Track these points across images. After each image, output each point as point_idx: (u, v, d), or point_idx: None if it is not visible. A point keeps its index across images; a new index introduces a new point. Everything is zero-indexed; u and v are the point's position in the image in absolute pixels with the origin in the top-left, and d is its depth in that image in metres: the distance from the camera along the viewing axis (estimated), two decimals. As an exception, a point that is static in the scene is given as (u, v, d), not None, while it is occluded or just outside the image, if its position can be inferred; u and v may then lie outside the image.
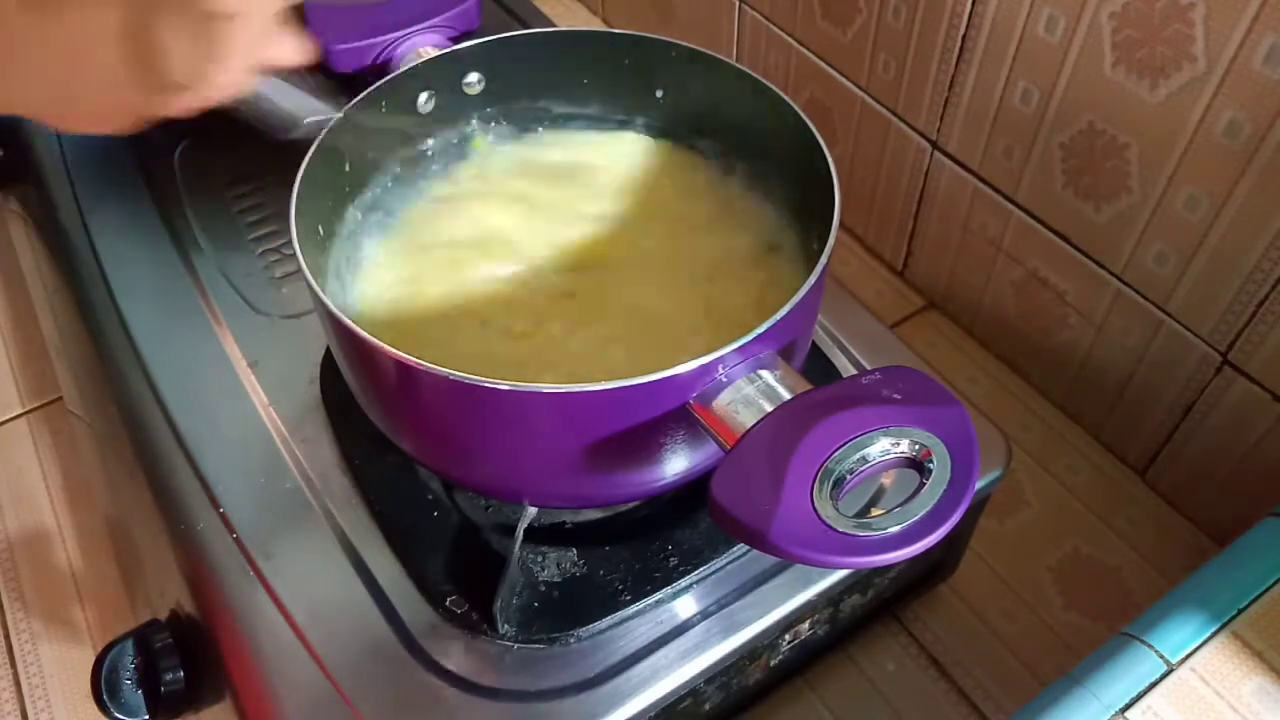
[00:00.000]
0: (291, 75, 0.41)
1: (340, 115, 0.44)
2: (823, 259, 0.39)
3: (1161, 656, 0.40)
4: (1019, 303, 0.66)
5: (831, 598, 0.47)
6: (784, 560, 0.40)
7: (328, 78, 0.45)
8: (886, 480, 0.33)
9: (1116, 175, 0.55)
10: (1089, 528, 0.61)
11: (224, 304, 0.55)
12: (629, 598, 0.44)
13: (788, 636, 0.47)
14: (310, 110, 0.43)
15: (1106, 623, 0.57)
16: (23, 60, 0.31)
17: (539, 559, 0.45)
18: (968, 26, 0.59)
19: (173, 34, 0.31)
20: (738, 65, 0.47)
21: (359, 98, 0.46)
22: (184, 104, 0.34)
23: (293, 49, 0.38)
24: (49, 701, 0.58)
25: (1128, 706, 0.39)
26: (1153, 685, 0.40)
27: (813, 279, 0.38)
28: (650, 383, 0.35)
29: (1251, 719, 0.38)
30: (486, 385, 0.35)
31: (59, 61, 0.31)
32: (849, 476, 0.33)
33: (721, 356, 0.36)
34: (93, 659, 0.44)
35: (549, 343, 0.46)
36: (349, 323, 0.37)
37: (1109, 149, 0.55)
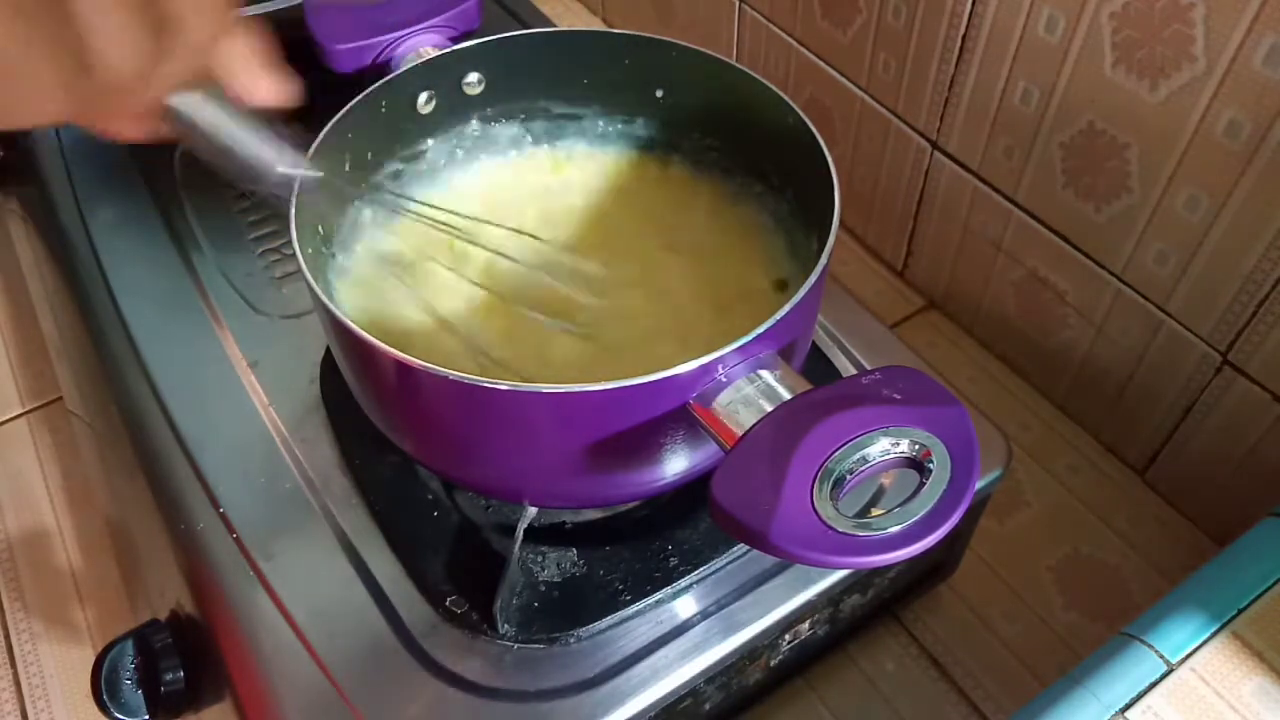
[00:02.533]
0: (268, 124, 0.38)
1: (318, 175, 0.41)
2: (823, 259, 0.39)
3: (1161, 656, 0.40)
4: (1019, 303, 0.66)
5: (831, 598, 0.47)
6: (784, 560, 0.40)
7: (307, 130, 0.41)
8: (886, 480, 0.33)
9: (1116, 175, 0.55)
10: (1089, 528, 0.61)
11: (224, 304, 0.55)
12: (629, 598, 0.44)
13: (788, 636, 0.47)
14: (282, 162, 0.39)
15: (1106, 623, 0.57)
16: None
17: (539, 559, 0.45)
18: (968, 26, 0.59)
19: (102, 17, 0.28)
20: (738, 65, 0.47)
21: (356, 100, 0.46)
22: (122, 108, 0.31)
23: (269, 89, 0.36)
24: (49, 701, 0.58)
25: (1128, 706, 0.39)
26: (1153, 685, 0.40)
27: (813, 279, 0.38)
28: (650, 383, 0.35)
29: (1251, 719, 0.38)
30: (486, 385, 0.35)
31: None
32: (849, 476, 0.33)
33: (721, 356, 0.36)
34: (93, 659, 0.44)
35: (548, 346, 0.46)
36: (349, 323, 0.37)
37: (1109, 149, 0.55)
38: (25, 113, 0.30)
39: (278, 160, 0.39)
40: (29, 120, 0.30)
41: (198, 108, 0.36)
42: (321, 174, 0.41)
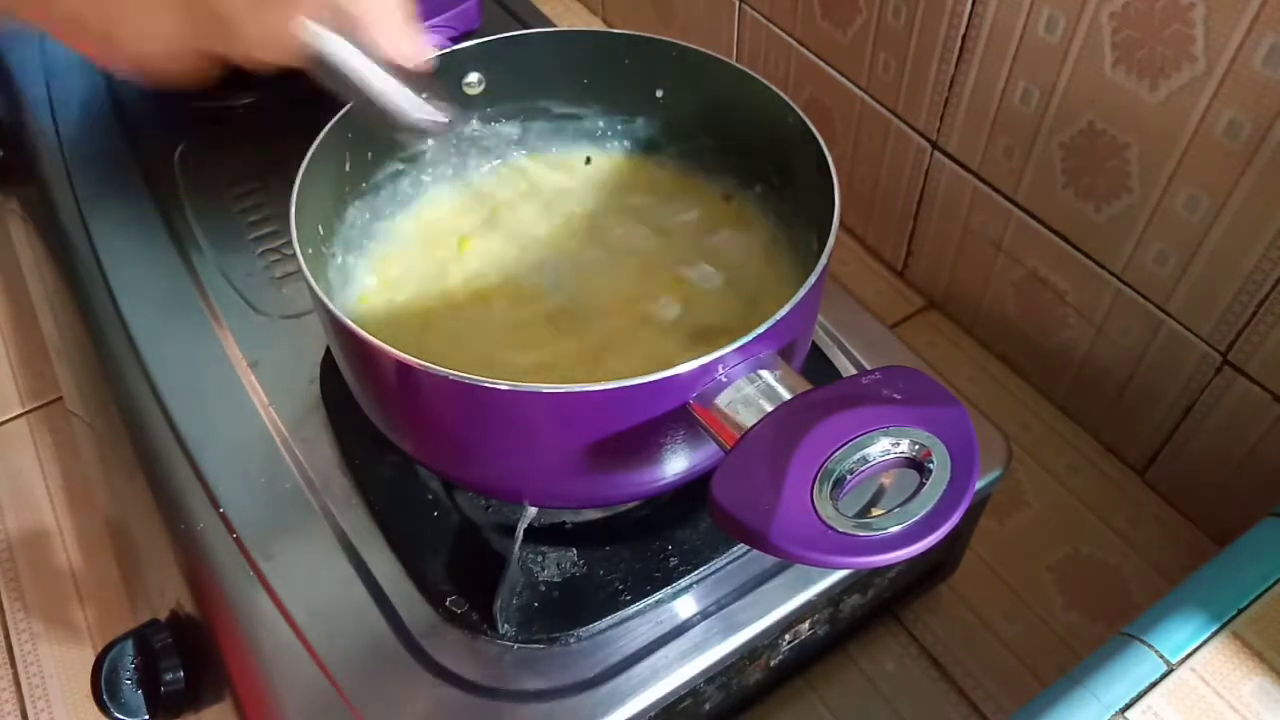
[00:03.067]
0: (399, 71, 0.40)
1: (446, 122, 0.42)
2: (823, 259, 0.39)
3: (1161, 656, 0.40)
4: (1019, 303, 0.66)
5: (831, 598, 0.47)
6: (784, 560, 0.40)
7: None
8: (886, 480, 0.33)
9: (1116, 175, 0.55)
10: (1089, 528, 0.61)
11: (224, 304, 0.55)
12: (629, 598, 0.44)
13: (788, 636, 0.47)
14: (418, 110, 0.41)
15: (1106, 623, 0.57)
16: None
17: (539, 559, 0.45)
18: (968, 26, 0.59)
19: None
20: (738, 65, 0.47)
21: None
22: (241, 43, 0.31)
23: (411, 47, 0.36)
24: (49, 701, 0.58)
25: (1128, 706, 0.39)
26: (1153, 685, 0.40)
27: (813, 279, 0.38)
28: (650, 383, 0.35)
29: (1251, 719, 0.38)
30: (486, 385, 0.35)
31: None
32: (849, 476, 0.33)
33: (721, 356, 0.36)
34: (93, 659, 0.44)
35: (545, 347, 0.46)
36: (349, 323, 0.37)
37: (1109, 149, 0.55)
38: (149, 34, 0.30)
39: (413, 109, 0.41)
40: (156, 43, 0.30)
41: (337, 48, 0.38)
42: (448, 119, 0.43)
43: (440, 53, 0.50)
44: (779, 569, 0.45)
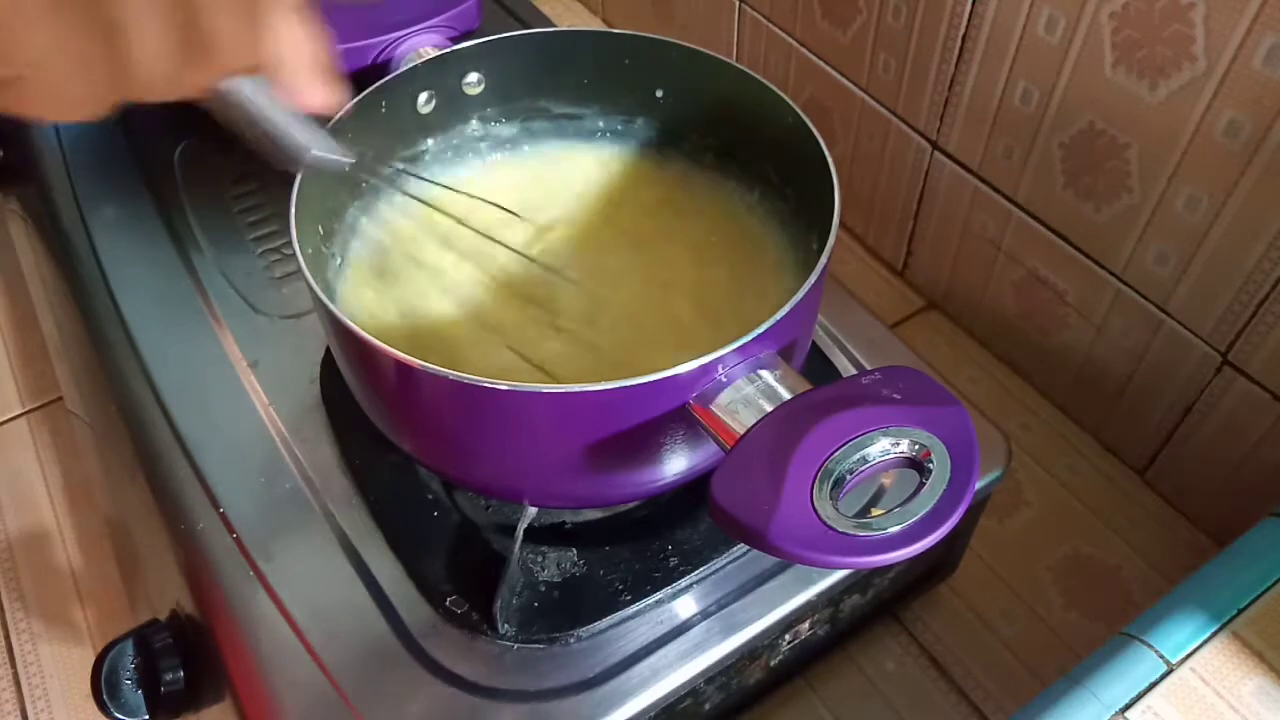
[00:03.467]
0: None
1: (347, 161, 0.41)
2: (823, 259, 0.39)
3: (1161, 656, 0.40)
4: (1019, 303, 0.66)
5: (831, 598, 0.47)
6: (784, 560, 0.40)
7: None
8: (886, 480, 0.33)
9: (1116, 175, 0.55)
10: (1089, 528, 0.61)
11: (224, 304, 0.55)
12: (629, 598, 0.44)
13: (788, 636, 0.47)
14: (319, 145, 0.40)
15: (1106, 623, 0.57)
16: None
17: (539, 559, 0.45)
18: (968, 26, 0.59)
19: (138, 28, 0.28)
20: (738, 65, 0.47)
21: (356, 100, 0.46)
22: (156, 99, 0.31)
23: (320, 96, 0.36)
24: (49, 702, 0.58)
25: (1128, 706, 0.39)
26: (1153, 685, 0.40)
27: (813, 279, 0.38)
28: (650, 383, 0.35)
29: (1251, 719, 0.38)
30: (486, 385, 0.35)
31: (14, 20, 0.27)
32: (849, 476, 0.33)
33: (721, 356, 0.36)
34: (93, 659, 0.44)
35: (544, 348, 0.46)
36: (349, 323, 0.37)
37: (1109, 149, 0.55)
38: (63, 109, 0.30)
39: (311, 144, 0.39)
40: (67, 117, 0.30)
41: (241, 88, 0.37)
42: (353, 159, 0.42)
43: (440, 53, 0.50)
44: (779, 569, 0.45)
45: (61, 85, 0.29)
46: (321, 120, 0.40)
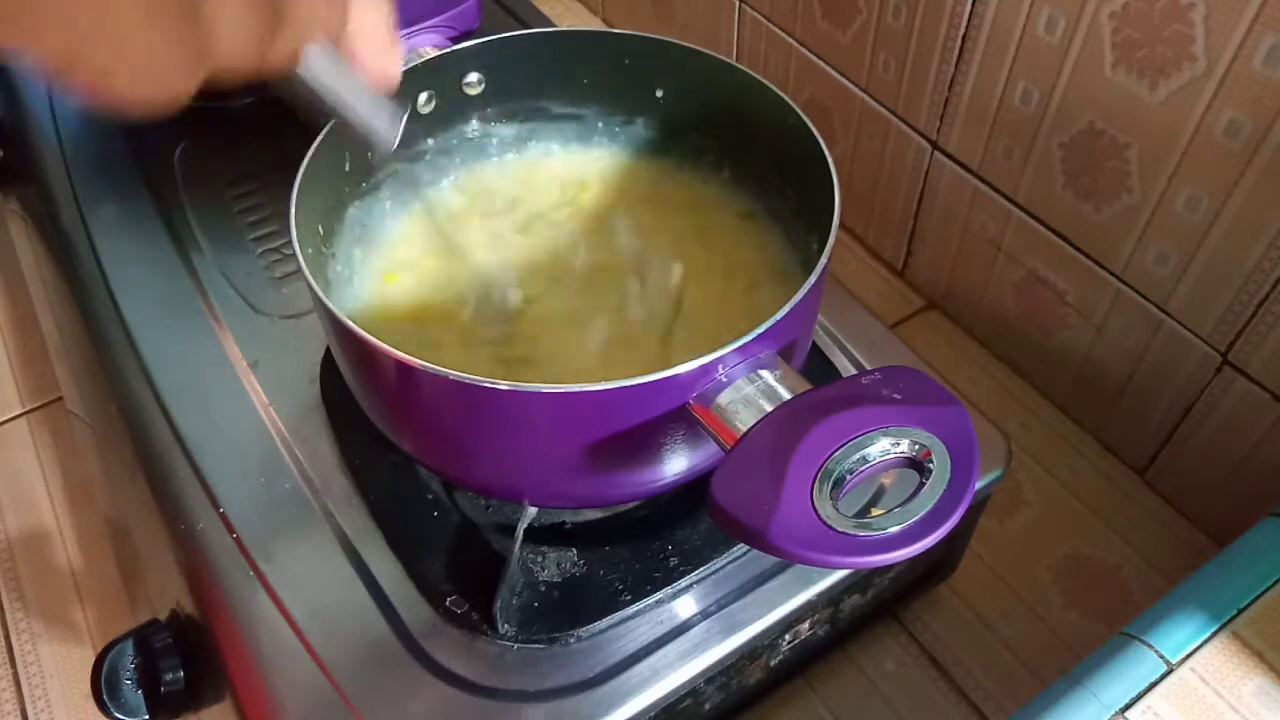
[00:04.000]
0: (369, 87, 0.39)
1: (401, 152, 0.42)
2: (823, 259, 0.39)
3: (1161, 656, 0.40)
4: (1019, 303, 0.66)
5: (831, 598, 0.47)
6: (784, 560, 0.40)
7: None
8: (886, 480, 0.33)
9: (1116, 175, 0.55)
10: (1089, 528, 0.61)
11: (224, 304, 0.55)
12: (629, 598, 0.44)
13: (788, 636, 0.47)
14: (390, 130, 0.40)
15: (1106, 623, 0.57)
16: None
17: (539, 559, 0.45)
18: (968, 26, 0.59)
19: (221, 10, 0.29)
20: (738, 65, 0.47)
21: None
22: (240, 65, 0.31)
23: (390, 67, 0.36)
24: (49, 702, 0.58)
25: (1128, 706, 0.39)
26: (1153, 685, 0.40)
27: (813, 279, 0.38)
28: (650, 383, 0.35)
29: (1251, 719, 0.38)
30: (486, 385, 0.35)
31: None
32: (849, 476, 0.33)
33: (721, 356, 0.36)
34: (93, 659, 0.44)
35: (544, 347, 0.46)
36: (349, 323, 0.37)
37: (1109, 149, 0.55)
38: (150, 88, 0.30)
39: (390, 132, 0.40)
40: (153, 95, 0.31)
41: (322, 63, 0.37)
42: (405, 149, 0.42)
43: (440, 53, 0.50)
44: (779, 569, 0.45)
45: (150, 62, 0.29)
46: (392, 99, 0.40)
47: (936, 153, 0.67)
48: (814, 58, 0.73)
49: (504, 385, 0.35)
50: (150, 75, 0.30)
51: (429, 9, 0.59)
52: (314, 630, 0.43)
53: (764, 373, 0.37)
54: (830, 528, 0.31)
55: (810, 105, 0.75)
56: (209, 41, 0.29)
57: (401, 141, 0.51)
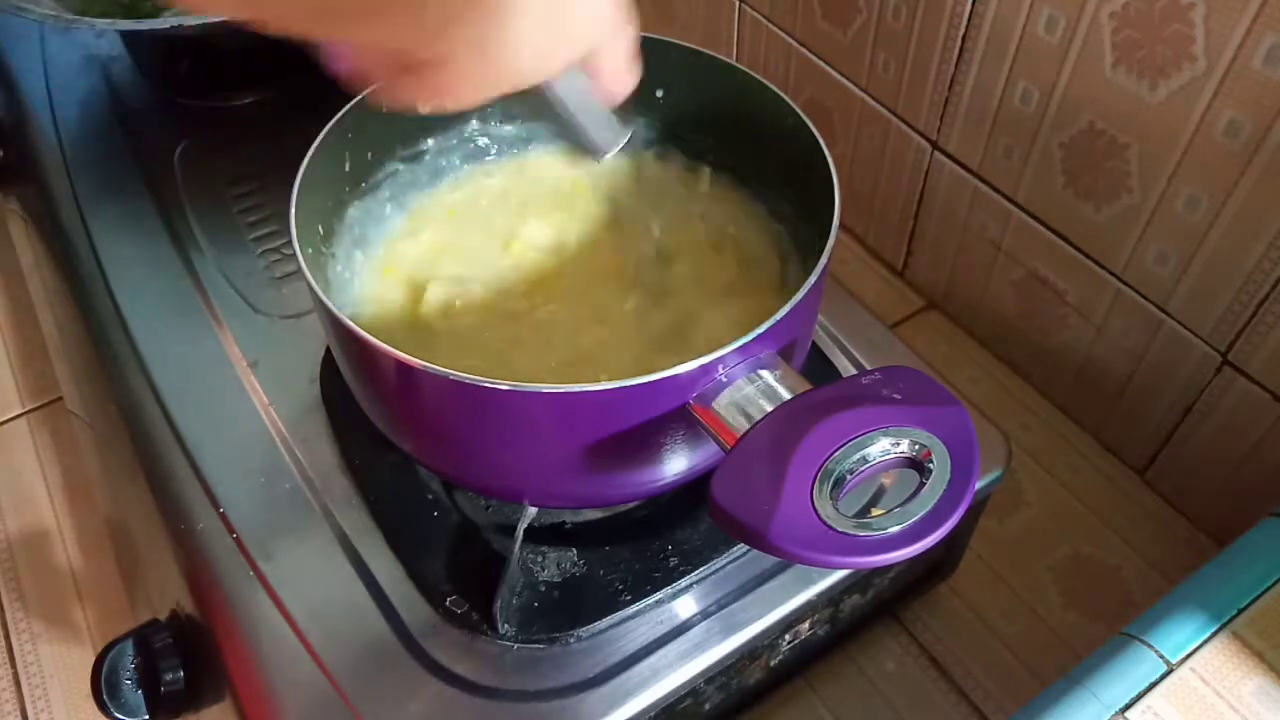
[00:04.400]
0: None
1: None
2: (823, 259, 0.39)
3: (1161, 656, 0.40)
4: (1019, 303, 0.66)
5: (831, 598, 0.47)
6: (784, 560, 0.40)
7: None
8: (886, 480, 0.33)
9: (1116, 175, 0.55)
10: (1089, 528, 0.61)
11: (224, 304, 0.55)
12: (629, 598, 0.44)
13: (788, 636, 0.47)
14: (614, 142, 0.39)
15: (1106, 623, 0.57)
16: None
17: (539, 559, 0.45)
18: (968, 26, 0.59)
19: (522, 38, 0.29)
20: (738, 65, 0.47)
21: (356, 100, 0.46)
22: (526, 78, 0.32)
23: (628, 86, 0.36)
24: (49, 702, 0.58)
25: (1128, 706, 0.39)
26: (1153, 685, 0.40)
27: (813, 279, 0.38)
28: (650, 383, 0.35)
29: (1251, 719, 0.38)
30: (486, 385, 0.35)
31: None
32: (849, 476, 0.33)
33: (721, 356, 0.36)
34: (93, 659, 0.44)
35: (545, 348, 0.46)
36: (349, 323, 0.37)
37: (1109, 149, 0.55)
38: (472, 93, 0.31)
39: (609, 144, 0.39)
40: (466, 101, 0.31)
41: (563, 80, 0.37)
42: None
43: None
44: (779, 569, 0.45)
45: (473, 69, 0.30)
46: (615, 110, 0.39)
47: (936, 153, 0.67)
48: (814, 58, 0.73)
49: (504, 385, 0.35)
50: (472, 81, 0.30)
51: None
52: (314, 630, 0.43)
53: (764, 373, 0.37)
54: (830, 528, 0.31)
55: (810, 105, 0.75)
56: (511, 49, 0.30)
57: (402, 141, 0.51)
